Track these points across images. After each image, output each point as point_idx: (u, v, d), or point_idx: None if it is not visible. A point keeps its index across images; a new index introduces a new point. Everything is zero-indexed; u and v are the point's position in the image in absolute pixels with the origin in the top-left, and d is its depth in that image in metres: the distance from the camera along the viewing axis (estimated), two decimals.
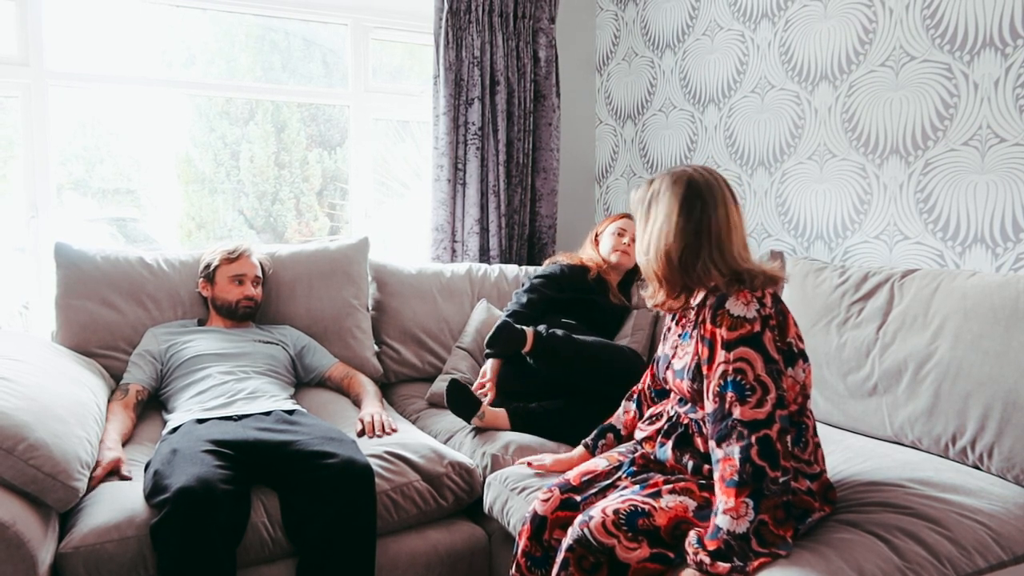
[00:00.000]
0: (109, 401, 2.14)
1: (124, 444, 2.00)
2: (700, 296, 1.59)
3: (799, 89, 2.61)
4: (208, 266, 2.46)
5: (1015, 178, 2.02)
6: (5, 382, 1.71)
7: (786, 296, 2.33)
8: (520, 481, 1.90)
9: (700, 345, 1.51)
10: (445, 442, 2.28)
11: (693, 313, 1.60)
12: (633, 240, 2.77)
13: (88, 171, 3.07)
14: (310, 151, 3.41)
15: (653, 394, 1.87)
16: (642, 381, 1.91)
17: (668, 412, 1.69)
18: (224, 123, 3.29)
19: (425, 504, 1.97)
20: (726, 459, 1.39)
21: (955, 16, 2.13)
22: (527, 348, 2.27)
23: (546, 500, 1.62)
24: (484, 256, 3.24)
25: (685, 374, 1.56)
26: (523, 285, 2.67)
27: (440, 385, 2.60)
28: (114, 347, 2.37)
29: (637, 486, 1.56)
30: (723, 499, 1.38)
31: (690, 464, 1.57)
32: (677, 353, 1.63)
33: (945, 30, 2.15)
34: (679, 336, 1.64)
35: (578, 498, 1.61)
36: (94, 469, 1.79)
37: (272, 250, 2.67)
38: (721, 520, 1.36)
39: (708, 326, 1.48)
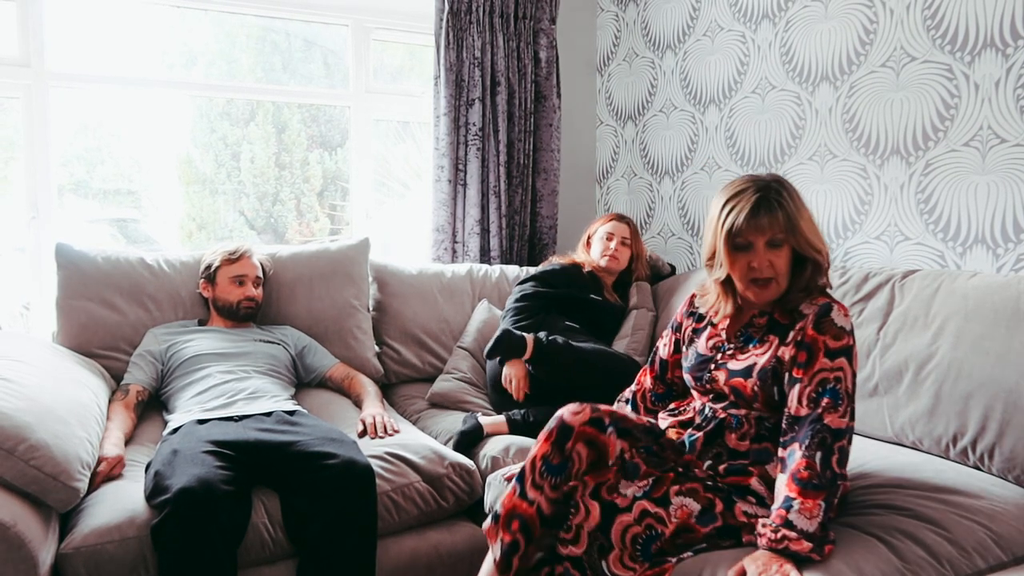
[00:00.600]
0: (110, 402, 2.14)
1: (125, 444, 2.00)
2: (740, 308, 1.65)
3: (800, 90, 2.61)
4: (209, 267, 2.46)
5: (1016, 179, 2.02)
6: (6, 383, 1.71)
7: None
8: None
9: (792, 350, 1.52)
10: (446, 443, 2.28)
11: (763, 320, 1.61)
12: (621, 243, 2.75)
13: (89, 172, 3.07)
14: (311, 152, 3.41)
15: (653, 397, 1.87)
16: (637, 383, 1.91)
17: (696, 408, 1.69)
18: (225, 124, 3.29)
19: (426, 505, 1.97)
20: (806, 461, 1.43)
21: (956, 17, 2.13)
22: (527, 355, 2.27)
23: (577, 413, 1.55)
24: (485, 257, 3.24)
25: (754, 374, 1.56)
26: (512, 295, 2.65)
27: (441, 385, 2.60)
28: (115, 347, 2.38)
29: (648, 484, 1.53)
30: (795, 498, 1.41)
31: (708, 462, 1.57)
32: (731, 355, 1.62)
33: (946, 31, 2.15)
34: (736, 339, 1.64)
35: (607, 422, 1.54)
36: (97, 467, 1.79)
37: (273, 251, 2.68)
38: (795, 518, 1.39)
39: (810, 331, 1.51)
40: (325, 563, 1.74)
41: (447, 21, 3.09)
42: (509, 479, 1.89)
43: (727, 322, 1.68)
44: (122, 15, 2.99)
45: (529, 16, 3.27)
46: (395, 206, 3.60)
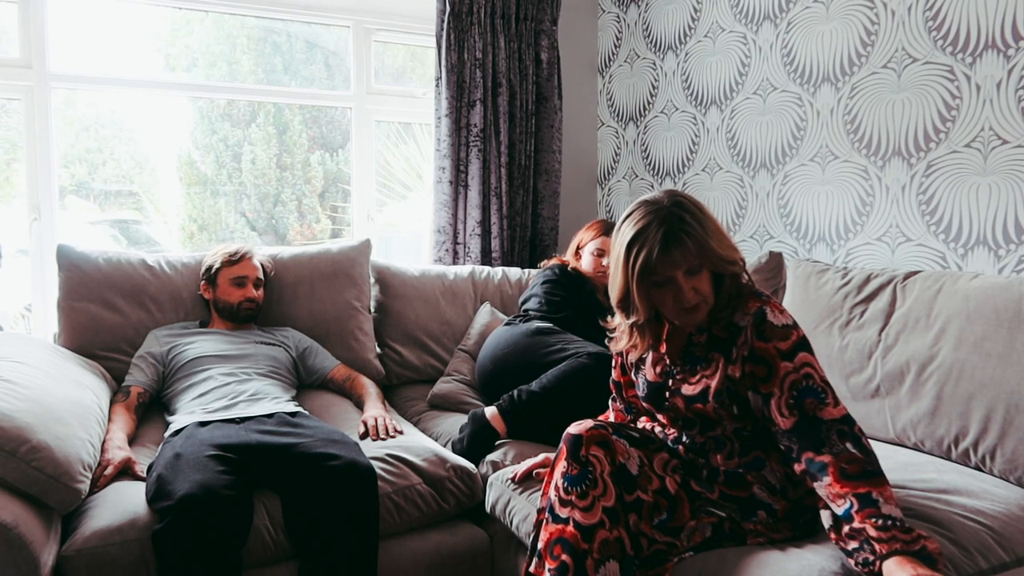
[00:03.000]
0: (111, 403, 2.14)
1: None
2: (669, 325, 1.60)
3: (801, 91, 2.61)
4: (210, 268, 2.46)
5: (1017, 180, 2.02)
6: (8, 384, 1.71)
7: (788, 298, 2.33)
8: (522, 481, 1.89)
9: (746, 366, 1.48)
10: (446, 445, 2.28)
11: (703, 337, 1.57)
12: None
13: (90, 173, 3.08)
14: (312, 153, 3.41)
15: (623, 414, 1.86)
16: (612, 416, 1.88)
17: (669, 435, 1.66)
18: (226, 125, 3.29)
19: (427, 507, 1.97)
20: (845, 455, 1.35)
21: (957, 18, 2.13)
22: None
23: (579, 424, 1.55)
24: (486, 258, 3.24)
25: (710, 398, 1.52)
26: (535, 288, 2.64)
27: (442, 387, 2.60)
28: (116, 349, 2.38)
29: (665, 516, 1.51)
30: (868, 492, 1.30)
31: (705, 472, 1.57)
32: (682, 379, 1.59)
33: (947, 32, 2.15)
34: (681, 362, 1.60)
35: (611, 430, 1.54)
36: (104, 469, 1.80)
37: (274, 252, 2.68)
38: (891, 510, 1.28)
39: (757, 344, 1.46)
40: (327, 564, 1.73)
41: (448, 22, 3.09)
42: (514, 479, 1.90)
43: (665, 345, 1.63)
44: (123, 16, 3.00)
45: (530, 17, 3.28)
46: (396, 207, 3.60)
